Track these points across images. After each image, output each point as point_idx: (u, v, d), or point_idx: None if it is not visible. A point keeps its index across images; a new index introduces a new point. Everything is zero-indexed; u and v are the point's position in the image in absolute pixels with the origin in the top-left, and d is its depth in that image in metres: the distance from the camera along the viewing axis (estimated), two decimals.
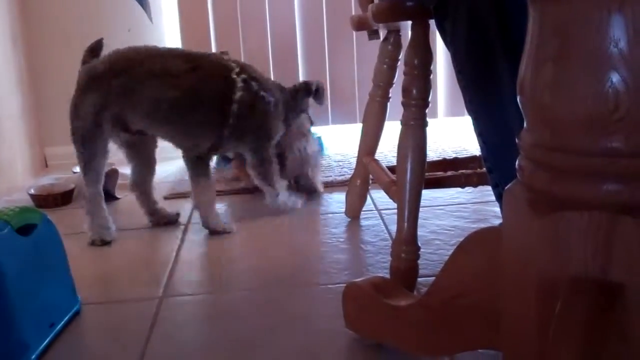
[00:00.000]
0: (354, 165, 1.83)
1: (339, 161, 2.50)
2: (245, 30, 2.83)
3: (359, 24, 1.55)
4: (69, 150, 2.80)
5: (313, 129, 2.22)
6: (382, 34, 1.62)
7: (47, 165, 2.83)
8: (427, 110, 1.30)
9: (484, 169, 1.16)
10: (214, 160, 2.03)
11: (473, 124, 1.12)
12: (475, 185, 1.53)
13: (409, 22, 1.29)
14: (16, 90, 2.56)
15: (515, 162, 0.73)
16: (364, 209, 1.84)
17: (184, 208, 2.06)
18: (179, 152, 2.53)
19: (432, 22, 1.25)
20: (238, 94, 1.73)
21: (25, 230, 1.16)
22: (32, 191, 2.18)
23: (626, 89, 0.60)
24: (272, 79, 2.01)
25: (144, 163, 1.93)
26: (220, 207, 2.03)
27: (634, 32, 0.59)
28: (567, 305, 0.62)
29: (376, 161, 1.65)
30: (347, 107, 2.97)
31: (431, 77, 1.30)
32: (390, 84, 1.63)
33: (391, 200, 1.43)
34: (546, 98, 0.66)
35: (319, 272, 1.46)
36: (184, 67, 1.74)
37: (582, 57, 0.62)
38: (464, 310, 0.86)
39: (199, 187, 1.80)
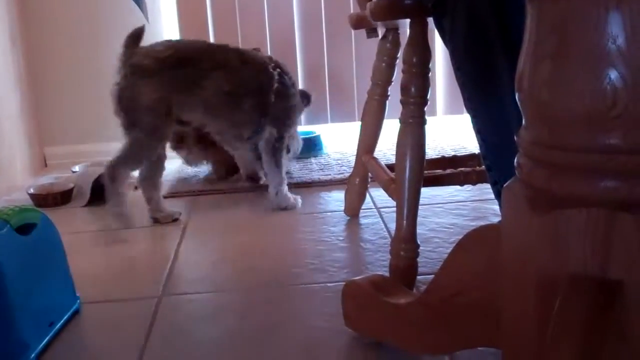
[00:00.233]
0: (352, 164, 1.83)
1: (337, 159, 2.50)
2: (243, 28, 2.83)
3: (358, 22, 1.55)
4: (68, 149, 2.83)
5: (312, 128, 2.26)
6: (381, 32, 1.62)
7: (46, 165, 2.83)
8: (425, 108, 1.30)
9: (483, 166, 1.16)
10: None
11: (472, 122, 1.12)
12: (474, 183, 1.53)
13: (408, 20, 1.29)
14: (15, 89, 2.55)
15: (514, 159, 0.73)
16: (363, 207, 1.84)
17: (183, 207, 2.06)
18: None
19: (430, 20, 1.25)
20: (275, 86, 1.93)
21: (24, 229, 1.16)
22: (31, 190, 2.17)
23: (624, 85, 0.60)
24: None
25: (156, 159, 1.93)
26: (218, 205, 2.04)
27: (632, 29, 0.59)
28: (566, 303, 0.62)
29: (375, 159, 1.65)
30: (346, 105, 2.98)
31: (430, 75, 1.30)
32: (388, 82, 1.63)
33: (390, 199, 1.43)
34: (544, 95, 0.66)
35: (318, 271, 1.45)
36: (238, 61, 1.90)
37: (580, 54, 0.62)
38: (464, 308, 0.86)
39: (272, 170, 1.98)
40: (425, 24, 1.27)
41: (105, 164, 1.84)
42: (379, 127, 1.69)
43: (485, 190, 1.80)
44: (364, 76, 2.84)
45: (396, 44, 1.58)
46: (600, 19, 0.60)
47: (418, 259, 1.31)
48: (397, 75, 1.45)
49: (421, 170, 1.29)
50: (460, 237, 0.88)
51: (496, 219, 1.65)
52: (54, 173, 2.58)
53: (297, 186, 2.19)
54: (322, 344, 1.13)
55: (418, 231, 1.31)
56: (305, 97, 2.16)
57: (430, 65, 1.30)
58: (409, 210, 1.29)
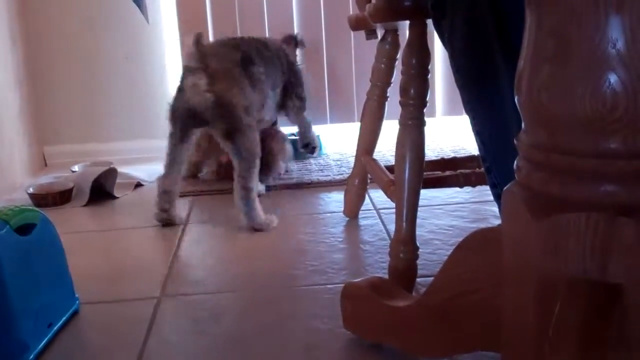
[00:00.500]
0: (352, 165, 1.83)
1: (337, 160, 2.50)
2: (243, 29, 2.83)
3: (357, 24, 1.55)
4: (68, 149, 2.83)
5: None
6: (380, 33, 1.62)
7: (46, 164, 2.83)
8: (425, 110, 1.30)
9: (483, 168, 1.16)
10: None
11: (471, 124, 1.12)
12: (473, 185, 1.53)
13: (407, 22, 1.29)
14: (15, 89, 2.55)
15: (514, 162, 0.73)
16: (362, 208, 1.84)
17: (182, 207, 2.06)
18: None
19: (429, 22, 1.25)
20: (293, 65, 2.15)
21: (24, 229, 1.16)
22: (31, 190, 2.17)
23: (624, 89, 0.60)
24: None
25: (183, 159, 1.91)
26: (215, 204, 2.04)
27: (632, 33, 0.59)
28: (565, 306, 0.62)
29: (374, 160, 1.65)
30: (345, 106, 2.98)
31: (429, 76, 1.30)
32: (388, 83, 1.63)
33: (389, 200, 1.43)
34: (543, 98, 0.66)
35: (317, 272, 1.45)
36: (269, 52, 2.02)
37: (580, 58, 0.62)
38: (463, 311, 0.86)
39: None
40: (425, 26, 1.27)
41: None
42: (378, 128, 1.69)
43: (485, 192, 1.80)
44: (363, 77, 2.85)
45: (395, 45, 1.58)
46: (600, 23, 0.60)
47: (417, 261, 1.31)
48: (397, 77, 1.45)
49: (420, 172, 1.29)
50: (459, 239, 0.89)
51: (496, 221, 1.65)
52: (54, 172, 2.58)
53: (296, 187, 2.20)
54: (321, 345, 1.13)
55: (417, 233, 1.31)
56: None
57: (429, 66, 1.30)
58: (408, 212, 1.29)
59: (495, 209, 1.55)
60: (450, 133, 2.85)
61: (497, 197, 1.08)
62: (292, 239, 1.72)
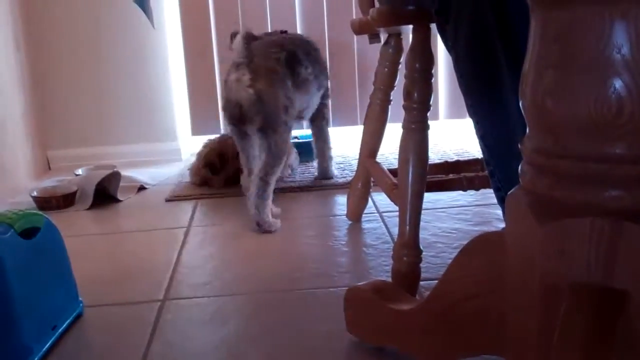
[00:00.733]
0: (354, 167, 1.83)
1: (340, 163, 2.50)
2: None
3: (360, 28, 1.56)
4: (72, 152, 2.83)
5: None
6: (383, 37, 1.62)
7: (49, 168, 2.84)
8: (428, 113, 1.30)
9: (486, 172, 1.16)
10: None
11: (475, 128, 1.12)
12: (477, 189, 1.53)
13: (410, 26, 1.30)
14: (19, 92, 2.56)
15: (518, 166, 0.73)
16: (365, 211, 1.84)
17: (185, 210, 2.06)
18: (180, 155, 2.54)
19: (433, 26, 1.26)
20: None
21: (28, 233, 1.17)
22: (34, 193, 2.18)
23: (629, 94, 0.60)
24: None
25: (255, 153, 1.96)
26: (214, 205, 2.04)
27: (637, 39, 0.59)
28: (570, 311, 0.62)
29: (378, 164, 1.65)
30: (348, 109, 2.98)
31: (432, 79, 1.30)
32: (391, 87, 1.63)
33: (393, 203, 1.43)
34: (548, 103, 0.66)
35: (320, 275, 1.46)
36: (319, 54, 2.11)
37: (585, 63, 0.62)
38: (467, 315, 0.86)
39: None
40: (428, 30, 1.28)
41: (259, 177, 1.81)
42: (382, 132, 1.69)
43: (488, 194, 1.81)
44: (367, 80, 2.85)
45: (399, 49, 1.58)
46: (605, 29, 0.60)
47: (421, 264, 1.31)
48: (400, 80, 1.45)
49: (424, 176, 1.29)
50: (463, 242, 0.89)
51: (499, 224, 1.65)
52: (57, 176, 2.59)
53: (300, 190, 2.20)
54: (324, 349, 1.13)
55: (421, 236, 1.31)
56: None
57: (432, 70, 1.30)
58: (411, 216, 1.29)
59: (499, 211, 1.55)
60: (454, 136, 2.85)
61: (501, 201, 1.08)
62: (295, 241, 1.72)
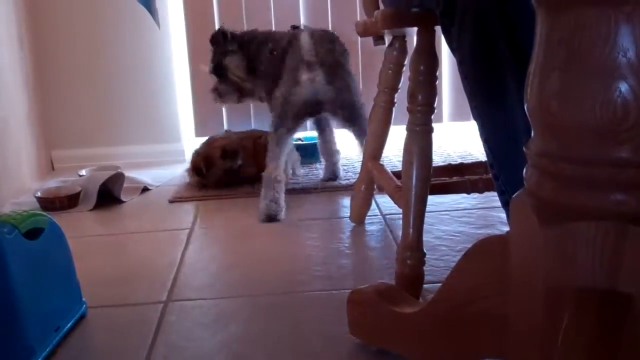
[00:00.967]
0: (358, 169, 1.83)
1: (343, 165, 2.50)
2: None
3: (365, 30, 1.55)
4: (76, 153, 2.84)
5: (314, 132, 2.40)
6: (388, 39, 1.62)
7: (53, 168, 2.84)
8: (432, 116, 1.30)
9: (490, 174, 1.16)
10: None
11: (479, 131, 1.12)
12: (481, 191, 1.53)
13: (415, 28, 1.29)
14: (23, 93, 2.56)
15: (522, 169, 0.73)
16: (368, 213, 1.84)
17: (189, 211, 2.06)
18: (183, 156, 2.53)
19: (437, 28, 1.25)
20: None
21: (32, 234, 1.17)
22: (38, 194, 2.18)
23: (635, 98, 0.60)
24: None
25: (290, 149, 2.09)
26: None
27: None
28: (575, 316, 0.62)
29: (381, 166, 1.65)
30: None
31: (437, 82, 1.30)
32: (395, 89, 1.63)
33: (396, 205, 1.43)
34: (553, 107, 0.66)
35: (323, 278, 1.45)
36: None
37: (590, 67, 0.62)
38: (471, 318, 0.86)
39: None
40: (433, 32, 1.28)
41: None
42: (385, 134, 1.69)
43: (492, 197, 1.80)
44: (371, 83, 2.85)
45: (403, 51, 1.58)
46: (611, 32, 0.60)
47: (424, 267, 1.31)
48: (404, 82, 1.45)
49: (428, 178, 1.29)
50: (466, 245, 0.89)
51: (503, 227, 1.65)
52: (61, 176, 2.59)
53: (303, 192, 2.20)
54: (327, 351, 1.13)
55: (424, 239, 1.31)
56: None
57: (437, 73, 1.30)
58: (415, 218, 1.29)
59: (503, 215, 1.55)
60: (458, 139, 2.85)
61: (505, 204, 1.08)
62: (298, 244, 1.72)
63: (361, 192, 1.79)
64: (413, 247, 1.29)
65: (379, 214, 1.90)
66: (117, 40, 2.79)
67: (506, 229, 0.77)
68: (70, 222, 1.98)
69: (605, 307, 0.62)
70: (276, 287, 1.43)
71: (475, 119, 1.11)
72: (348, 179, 2.27)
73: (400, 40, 1.57)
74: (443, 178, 1.54)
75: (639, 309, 0.61)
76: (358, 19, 2.66)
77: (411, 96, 1.29)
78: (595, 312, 0.62)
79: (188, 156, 2.83)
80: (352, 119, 1.99)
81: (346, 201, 1.91)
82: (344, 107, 1.97)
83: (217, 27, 2.54)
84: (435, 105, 1.30)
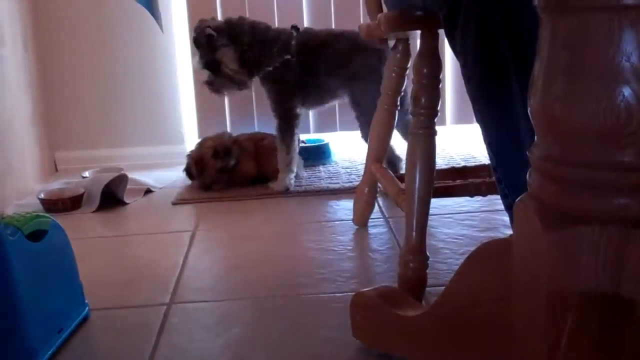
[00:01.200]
0: (361, 172, 1.83)
1: (346, 168, 2.50)
2: None
3: (368, 33, 1.55)
4: (79, 154, 2.84)
5: (321, 136, 2.45)
6: (391, 42, 1.62)
7: (57, 170, 2.84)
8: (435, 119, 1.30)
9: (493, 178, 1.15)
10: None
11: (482, 134, 1.11)
12: (484, 195, 1.52)
13: (419, 31, 1.29)
14: (28, 94, 2.57)
15: (525, 173, 0.73)
16: (371, 216, 1.84)
17: (192, 214, 2.06)
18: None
19: (441, 31, 1.25)
20: None
21: (35, 236, 1.17)
22: (42, 195, 2.18)
23: (638, 103, 0.60)
24: None
25: None
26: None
27: None
28: (578, 320, 0.62)
29: (384, 169, 1.65)
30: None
31: (440, 85, 1.30)
32: (398, 92, 1.63)
33: (399, 208, 1.43)
34: (557, 111, 0.66)
35: (326, 280, 1.45)
36: None
37: (594, 71, 0.62)
38: (474, 322, 0.86)
39: None
40: (436, 36, 1.28)
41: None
42: (389, 137, 1.69)
43: (495, 201, 1.80)
44: None
45: (406, 54, 1.58)
46: (614, 37, 0.60)
47: (427, 270, 1.31)
48: (408, 85, 1.45)
49: (431, 181, 1.29)
50: (469, 248, 0.89)
51: (506, 231, 1.65)
52: (65, 178, 2.59)
53: (306, 194, 2.20)
54: (330, 354, 1.13)
55: (427, 242, 1.31)
56: None
57: (440, 76, 1.30)
58: (418, 221, 1.29)
59: (506, 218, 1.55)
60: (461, 141, 2.84)
61: (508, 208, 1.08)
62: (301, 246, 1.72)
63: (364, 195, 1.79)
64: (416, 250, 1.29)
65: (382, 216, 1.90)
66: (121, 42, 2.80)
67: (509, 232, 0.77)
68: (74, 224, 1.98)
69: (608, 312, 0.62)
70: (279, 289, 1.43)
71: (478, 122, 1.11)
72: (351, 182, 2.26)
73: (403, 43, 1.57)
74: (446, 181, 1.54)
75: None
76: (361, 21, 2.66)
77: (414, 99, 1.29)
78: (598, 316, 0.62)
79: None
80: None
81: (349, 204, 1.91)
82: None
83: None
84: (438, 108, 1.30)
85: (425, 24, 1.26)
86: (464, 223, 1.79)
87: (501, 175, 1.08)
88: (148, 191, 2.37)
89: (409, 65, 1.58)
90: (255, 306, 1.36)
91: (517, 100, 0.98)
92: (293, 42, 2.23)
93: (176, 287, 1.47)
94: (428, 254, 1.31)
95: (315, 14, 2.85)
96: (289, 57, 2.21)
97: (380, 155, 1.70)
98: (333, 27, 2.78)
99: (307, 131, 2.84)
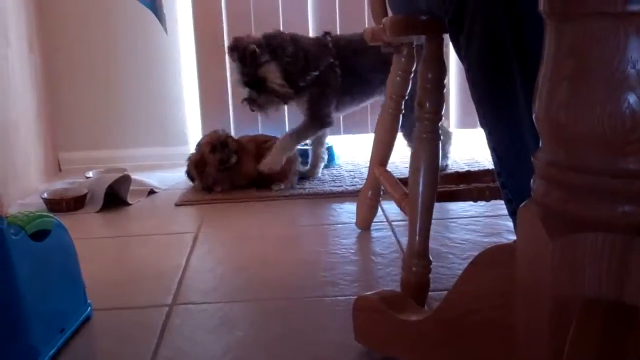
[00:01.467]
0: (365, 176, 1.83)
1: (350, 171, 2.50)
2: None
3: (373, 37, 1.55)
4: (83, 155, 2.85)
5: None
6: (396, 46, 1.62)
7: (60, 170, 2.85)
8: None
9: (497, 183, 1.15)
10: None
11: (486, 138, 1.11)
12: (487, 200, 1.52)
13: (423, 36, 1.29)
14: (32, 94, 2.57)
15: (530, 178, 0.73)
16: (374, 220, 1.84)
17: (195, 215, 2.07)
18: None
19: (446, 35, 1.25)
20: None
21: (38, 235, 1.17)
22: (45, 195, 2.19)
23: None
24: None
25: None
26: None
27: None
28: (581, 327, 0.62)
29: (388, 173, 1.65)
30: (359, 116, 2.97)
31: (444, 89, 1.30)
32: (403, 96, 1.63)
33: (402, 212, 1.43)
34: (562, 117, 0.66)
35: (328, 284, 1.45)
36: None
37: (599, 78, 0.62)
38: (476, 327, 0.86)
39: None
40: (441, 40, 1.28)
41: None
42: (392, 141, 1.69)
43: (499, 205, 1.80)
44: None
45: (411, 58, 1.58)
46: (620, 44, 0.60)
47: (430, 275, 1.30)
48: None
49: (435, 186, 1.29)
50: (472, 253, 0.89)
51: (509, 236, 1.65)
52: (68, 178, 2.60)
53: (309, 197, 2.20)
54: (332, 357, 1.13)
55: (430, 246, 1.31)
56: None
57: (445, 80, 1.30)
58: (421, 226, 1.28)
59: (510, 223, 1.54)
60: (464, 146, 2.84)
61: (512, 213, 1.07)
62: (303, 249, 1.72)
63: (367, 198, 1.79)
64: (419, 255, 1.29)
65: (385, 220, 1.90)
66: (126, 43, 2.80)
67: (513, 237, 0.77)
68: (77, 224, 1.99)
69: (611, 319, 0.62)
70: (281, 292, 1.43)
71: (482, 126, 1.11)
72: (354, 185, 2.26)
73: (408, 47, 1.57)
74: (450, 185, 1.54)
75: None
76: (366, 25, 2.66)
77: (419, 104, 1.29)
78: (601, 323, 0.62)
79: None
80: None
81: (352, 207, 1.91)
82: None
83: (225, 33, 2.54)
84: (442, 112, 1.30)
85: (430, 28, 1.25)
86: (467, 228, 1.79)
87: (505, 181, 1.08)
88: (151, 192, 2.37)
89: (413, 69, 1.58)
90: (257, 308, 1.36)
91: (522, 106, 0.98)
92: (331, 46, 2.23)
93: (179, 288, 1.47)
94: (431, 258, 1.31)
95: (320, 18, 2.85)
96: (331, 60, 2.21)
97: (384, 159, 1.70)
98: (338, 31, 2.78)
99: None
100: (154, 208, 2.20)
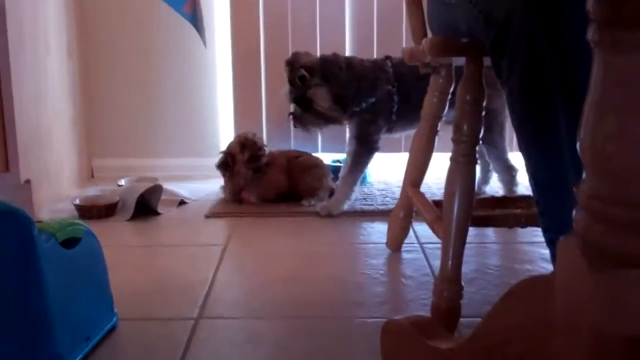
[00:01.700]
0: (396, 195, 1.81)
1: (381, 190, 2.48)
2: None
3: (411, 57, 1.54)
4: (116, 162, 2.87)
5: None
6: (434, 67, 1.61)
7: (93, 176, 2.87)
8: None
9: (533, 209, 1.13)
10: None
11: (525, 164, 1.09)
12: (523, 226, 1.49)
13: (463, 57, 1.28)
14: (69, 100, 2.61)
15: (570, 209, 0.70)
16: (405, 241, 1.81)
17: (224, 227, 2.06)
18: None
19: (486, 58, 1.24)
20: None
21: (69, 243, 1.17)
22: (77, 201, 2.20)
23: None
24: None
25: None
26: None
27: None
28: None
29: (421, 194, 1.63)
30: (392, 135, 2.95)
31: (483, 113, 1.28)
32: (439, 117, 1.61)
33: (434, 234, 1.41)
34: (608, 149, 0.64)
35: (357, 304, 1.44)
36: None
37: None
38: (509, 359, 0.84)
39: None
40: (481, 63, 1.26)
41: None
42: (427, 162, 1.67)
43: (535, 232, 1.77)
44: None
45: (449, 79, 1.56)
46: None
47: (461, 301, 1.28)
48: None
49: (470, 210, 1.26)
50: (505, 279, 0.87)
51: (544, 264, 1.61)
52: (100, 185, 2.62)
53: (339, 215, 2.18)
54: None
55: (462, 271, 1.28)
56: None
57: (484, 103, 1.28)
58: (454, 250, 1.26)
59: (545, 251, 1.51)
60: None
61: (550, 242, 1.05)
62: (333, 268, 1.70)
63: (399, 219, 1.77)
64: (451, 280, 1.27)
65: (416, 241, 1.87)
66: (163, 53, 2.83)
67: (548, 266, 0.75)
68: (107, 232, 2.00)
69: None
70: (310, 310, 1.41)
71: (522, 152, 1.09)
72: (386, 204, 2.24)
73: (446, 68, 1.56)
74: (485, 210, 1.51)
75: None
76: (404, 45, 2.65)
77: (456, 126, 1.27)
78: None
79: None
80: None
81: (383, 227, 1.89)
82: None
83: (262, 49, 2.53)
84: (480, 136, 1.28)
85: (470, 51, 1.24)
86: (500, 253, 1.76)
87: (543, 209, 1.05)
88: (182, 202, 2.38)
89: (451, 91, 1.57)
90: (284, 326, 1.35)
91: (563, 134, 0.96)
92: (391, 71, 2.21)
93: (205, 301, 1.46)
94: (463, 283, 1.28)
95: (358, 39, 2.84)
96: (389, 87, 2.19)
97: (418, 179, 1.68)
98: (375, 52, 2.78)
99: (343, 151, 2.82)
100: (184, 219, 2.20)
